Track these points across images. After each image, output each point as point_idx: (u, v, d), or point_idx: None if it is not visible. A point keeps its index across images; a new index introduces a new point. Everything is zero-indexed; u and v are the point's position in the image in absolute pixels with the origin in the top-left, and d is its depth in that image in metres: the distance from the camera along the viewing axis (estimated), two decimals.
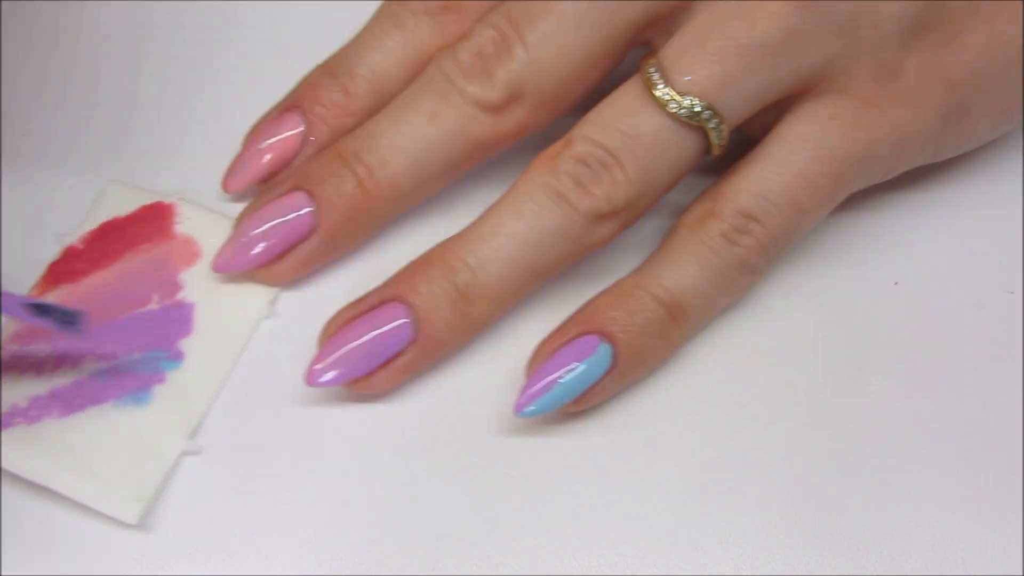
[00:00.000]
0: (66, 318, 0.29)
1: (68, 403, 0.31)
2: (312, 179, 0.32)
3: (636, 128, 0.30)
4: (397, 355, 0.31)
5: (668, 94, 0.30)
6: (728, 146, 0.31)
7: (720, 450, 0.31)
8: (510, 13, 0.31)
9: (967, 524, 0.30)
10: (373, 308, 0.31)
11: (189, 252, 0.33)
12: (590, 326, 0.30)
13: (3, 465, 0.30)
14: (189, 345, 0.32)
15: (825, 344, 0.32)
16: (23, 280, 0.33)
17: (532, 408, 0.30)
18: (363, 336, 0.31)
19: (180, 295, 0.33)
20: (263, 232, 0.32)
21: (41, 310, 0.29)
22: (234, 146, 0.35)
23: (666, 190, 0.31)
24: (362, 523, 0.30)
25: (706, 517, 0.30)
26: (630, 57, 0.32)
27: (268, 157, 0.34)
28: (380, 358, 0.31)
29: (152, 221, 0.34)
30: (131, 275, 0.33)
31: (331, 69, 0.34)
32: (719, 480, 0.30)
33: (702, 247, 0.31)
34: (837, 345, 0.32)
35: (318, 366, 0.31)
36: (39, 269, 0.34)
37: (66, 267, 0.33)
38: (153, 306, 0.33)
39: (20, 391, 0.31)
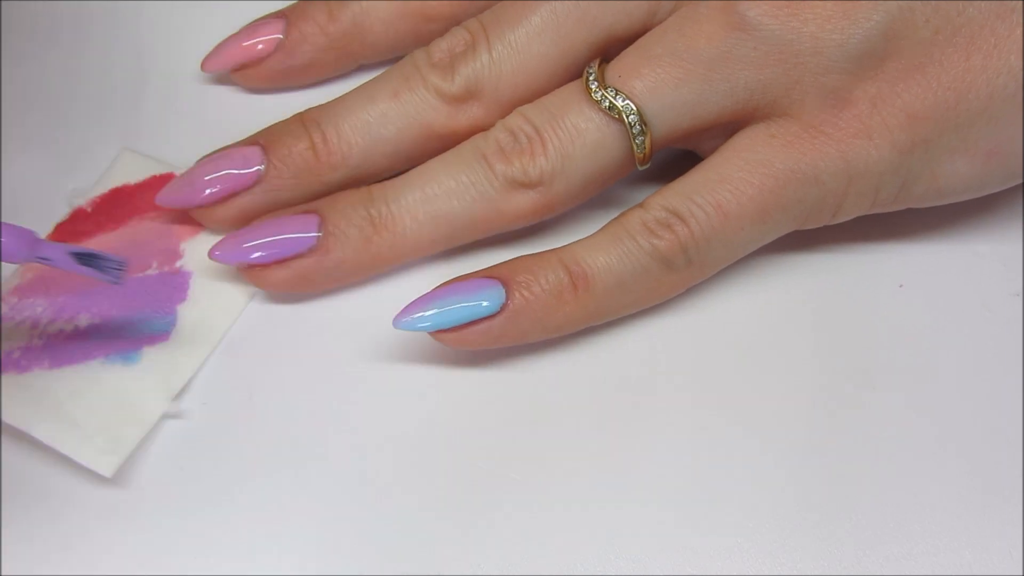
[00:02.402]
0: (111, 266, 0.30)
1: (58, 356, 0.32)
2: (270, 137, 0.34)
3: (563, 113, 0.32)
4: (296, 257, 0.32)
5: (595, 85, 0.32)
6: (650, 154, 0.32)
7: (723, 452, 0.31)
8: (484, 19, 0.34)
9: (971, 525, 0.30)
10: (293, 214, 0.33)
11: (192, 223, 0.34)
12: (494, 273, 0.32)
13: None
14: (183, 312, 0.33)
15: (830, 346, 0.33)
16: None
17: (408, 321, 0.31)
18: (275, 231, 0.33)
19: (179, 263, 0.34)
20: (212, 177, 0.33)
21: (85, 259, 0.30)
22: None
23: (587, 184, 0.32)
24: (356, 519, 0.30)
25: (708, 519, 0.30)
26: None
27: (245, 51, 0.36)
28: (281, 254, 0.32)
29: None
30: (134, 241, 0.34)
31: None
32: (722, 482, 0.31)
33: (620, 229, 0.32)
34: (842, 347, 0.33)
35: (223, 247, 0.33)
36: (47, 227, 0.34)
37: (72, 227, 0.34)
38: (152, 272, 0.33)
39: (15, 342, 0.32)
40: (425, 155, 0.34)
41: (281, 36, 0.36)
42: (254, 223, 0.33)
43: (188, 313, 0.33)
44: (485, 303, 0.31)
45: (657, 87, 0.31)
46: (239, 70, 0.37)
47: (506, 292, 0.31)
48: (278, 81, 0.37)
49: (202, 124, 0.37)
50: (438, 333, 0.31)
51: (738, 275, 0.34)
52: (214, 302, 0.33)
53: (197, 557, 0.30)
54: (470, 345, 0.31)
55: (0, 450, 0.31)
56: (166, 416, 0.31)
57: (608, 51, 0.33)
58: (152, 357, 0.32)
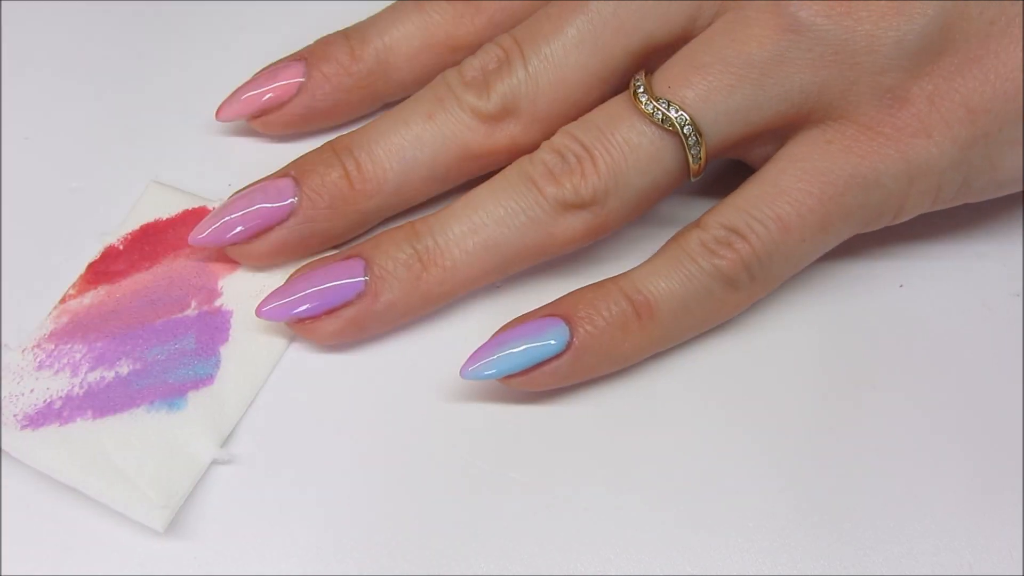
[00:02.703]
0: None
1: (102, 405, 0.31)
2: (302, 167, 0.33)
3: (612, 128, 0.31)
4: (346, 305, 0.31)
5: (646, 98, 0.31)
6: (704, 164, 0.31)
7: (725, 452, 0.31)
8: (517, 34, 0.32)
9: (971, 525, 0.30)
10: (336, 260, 0.32)
11: (230, 260, 0.33)
12: (555, 310, 0.31)
13: (36, 466, 0.30)
14: (225, 353, 0.32)
15: (831, 347, 0.32)
16: (63, 277, 0.33)
17: (474, 369, 0.30)
18: (320, 281, 0.31)
19: (218, 302, 0.33)
20: (244, 213, 0.32)
21: None
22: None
23: (640, 201, 0.31)
24: (369, 526, 0.30)
25: (710, 519, 0.30)
26: None
27: (265, 97, 0.35)
28: (330, 303, 0.31)
29: (195, 225, 0.34)
30: (170, 279, 0.33)
31: (347, 33, 0.35)
32: (723, 482, 0.30)
33: (680, 252, 0.31)
34: (843, 348, 0.32)
35: (270, 302, 0.31)
36: (79, 267, 0.34)
37: (105, 267, 0.33)
38: (191, 312, 0.33)
39: (55, 391, 0.31)
40: (463, 176, 0.33)
41: (302, 79, 0.35)
42: (296, 276, 0.32)
43: (231, 354, 0.32)
44: (551, 343, 0.30)
45: (709, 95, 0.30)
46: (258, 117, 0.35)
47: (570, 329, 0.30)
48: (299, 126, 0.35)
49: (228, 153, 0.36)
50: (506, 379, 0.30)
51: None
52: (257, 341, 0.32)
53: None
54: (538, 387, 0.31)
55: (0, 453, 0.31)
56: (216, 462, 0.31)
57: (648, 59, 0.32)
58: (198, 402, 0.31)
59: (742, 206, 0.31)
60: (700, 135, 0.30)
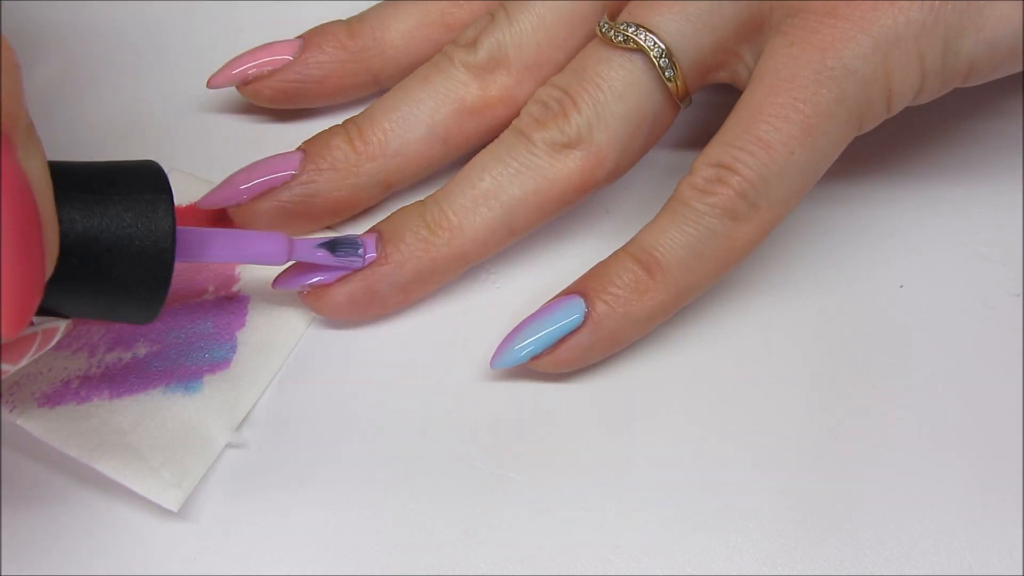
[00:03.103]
0: (351, 249, 0.32)
1: (118, 386, 0.31)
2: (309, 141, 0.34)
3: (584, 65, 0.32)
4: (357, 271, 0.32)
5: (608, 27, 0.32)
6: (682, 85, 0.31)
7: (724, 452, 0.31)
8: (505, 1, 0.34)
9: (971, 525, 0.30)
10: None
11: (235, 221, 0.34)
12: (570, 288, 0.32)
13: (52, 443, 0.30)
14: (242, 338, 0.32)
15: (830, 346, 0.33)
16: None
17: (502, 357, 0.31)
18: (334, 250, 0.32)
19: (236, 287, 0.33)
20: (249, 175, 0.33)
21: (330, 247, 0.31)
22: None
23: (631, 130, 0.32)
24: (369, 525, 0.30)
25: (709, 519, 0.30)
26: None
27: (256, 62, 0.36)
28: (343, 271, 0.32)
29: (214, 211, 0.34)
30: (189, 264, 0.33)
31: (348, 19, 0.36)
32: (723, 482, 0.31)
33: (675, 204, 0.31)
34: (843, 347, 0.33)
35: (286, 274, 0.32)
36: None
37: None
38: (208, 297, 0.33)
39: (72, 370, 0.31)
40: (463, 134, 0.34)
41: (295, 55, 0.35)
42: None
43: (247, 339, 0.32)
44: (569, 317, 0.31)
45: (670, 12, 0.31)
46: (248, 84, 0.36)
47: (586, 302, 0.31)
48: (290, 98, 0.36)
49: (235, 149, 0.37)
50: (534, 361, 0.31)
51: (739, 276, 0.34)
52: (273, 327, 0.33)
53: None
54: (567, 364, 0.31)
55: (0, 450, 0.31)
56: (230, 446, 0.31)
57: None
58: (213, 386, 0.31)
59: (723, 140, 0.31)
60: (671, 54, 0.31)
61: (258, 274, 0.33)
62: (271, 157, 0.34)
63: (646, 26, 0.31)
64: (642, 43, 0.31)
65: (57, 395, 0.31)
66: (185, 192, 0.35)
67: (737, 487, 0.31)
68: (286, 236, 0.30)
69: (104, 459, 0.30)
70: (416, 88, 0.34)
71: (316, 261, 0.31)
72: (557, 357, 0.31)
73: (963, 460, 0.31)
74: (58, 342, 0.32)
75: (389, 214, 0.33)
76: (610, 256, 0.32)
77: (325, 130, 0.34)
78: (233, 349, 0.32)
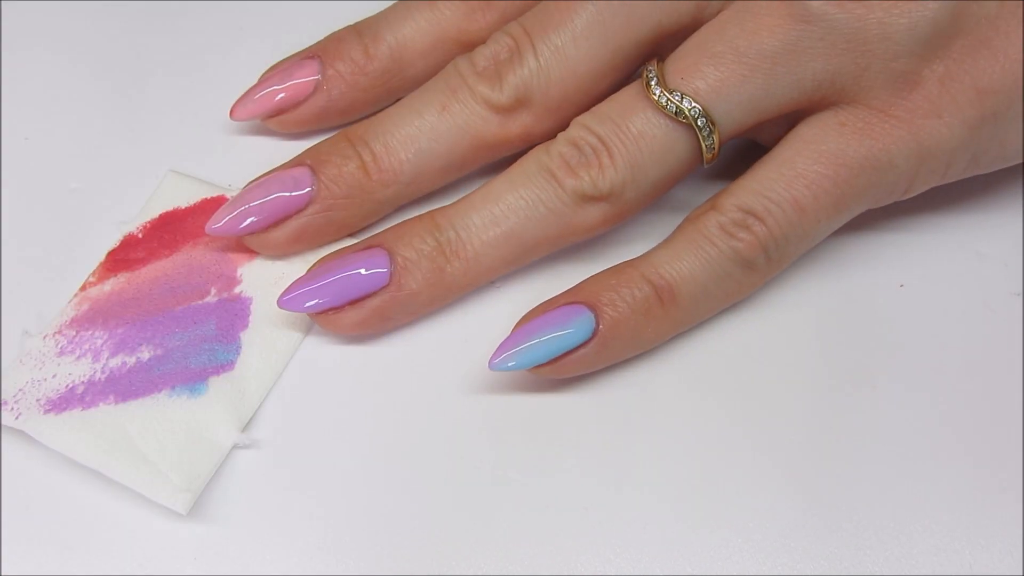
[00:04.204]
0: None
1: (124, 390, 0.31)
2: (318, 157, 0.33)
3: (627, 120, 0.31)
4: (369, 296, 0.32)
5: (660, 91, 0.31)
6: (718, 151, 0.31)
7: (725, 451, 0.31)
8: (526, 23, 0.33)
9: (971, 525, 0.30)
10: (358, 251, 0.32)
11: (249, 247, 0.34)
12: (578, 297, 0.31)
13: (58, 449, 0.30)
14: (246, 339, 0.32)
15: (831, 346, 0.33)
16: (83, 265, 0.34)
17: (504, 361, 0.31)
18: (343, 271, 0.32)
19: (238, 289, 0.33)
20: (260, 203, 0.33)
21: None
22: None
23: (655, 189, 0.32)
24: (369, 525, 0.30)
25: (709, 519, 0.30)
26: None
27: (279, 96, 0.35)
28: (353, 294, 0.32)
29: (213, 213, 0.34)
30: (190, 266, 0.33)
31: (359, 30, 0.35)
32: (723, 482, 0.31)
33: (698, 235, 0.31)
34: (843, 347, 0.33)
35: (293, 291, 0.32)
36: (99, 255, 0.34)
37: (125, 255, 0.34)
38: (211, 298, 0.33)
39: (77, 376, 0.31)
40: (477, 163, 0.34)
41: (317, 77, 0.35)
42: (318, 266, 0.32)
43: (252, 340, 0.32)
44: (577, 331, 0.30)
45: (722, 86, 0.31)
46: (274, 116, 0.35)
47: (595, 316, 0.31)
48: (315, 125, 0.35)
49: (239, 145, 0.36)
50: (536, 368, 0.31)
51: None
52: (277, 328, 0.32)
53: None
54: (566, 374, 0.31)
55: (0, 450, 0.31)
56: (237, 447, 0.31)
57: (658, 47, 0.33)
58: (218, 387, 0.31)
59: (758, 189, 0.31)
60: (713, 125, 0.31)
61: (260, 275, 0.33)
62: (279, 175, 0.33)
63: (696, 97, 0.31)
64: (691, 119, 0.31)
65: (62, 401, 0.31)
66: (183, 195, 0.35)
67: (737, 487, 0.31)
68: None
69: (112, 465, 0.30)
70: (434, 116, 0.33)
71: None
72: (559, 368, 0.31)
73: (963, 460, 0.31)
74: (61, 348, 0.32)
75: (394, 224, 0.33)
76: (621, 269, 0.32)
77: (334, 146, 0.33)
78: (237, 351, 0.32)
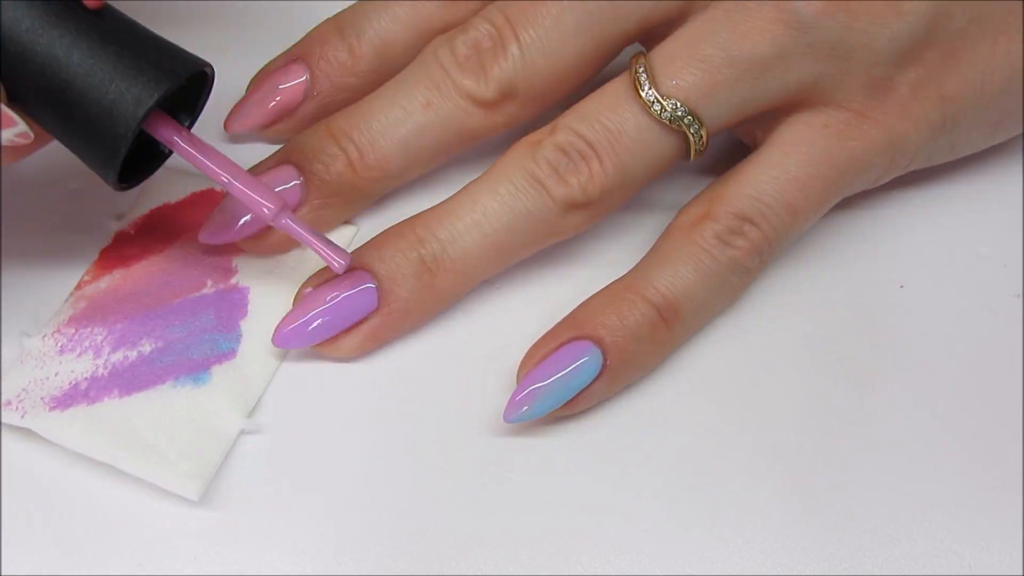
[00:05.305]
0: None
1: (127, 384, 0.31)
2: (303, 155, 0.33)
3: (618, 125, 0.31)
4: (362, 321, 0.32)
5: (653, 95, 0.31)
6: (705, 151, 0.32)
7: (723, 452, 0.31)
8: (507, 11, 0.33)
9: (971, 525, 0.30)
10: (342, 279, 0.32)
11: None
12: (580, 331, 0.31)
13: (66, 445, 0.30)
14: (246, 327, 0.33)
15: (831, 346, 0.33)
16: (76, 265, 0.34)
17: (520, 415, 0.30)
18: (330, 300, 0.32)
19: (234, 279, 0.33)
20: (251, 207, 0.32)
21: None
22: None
23: (640, 187, 0.32)
24: (368, 525, 0.30)
25: (708, 519, 0.30)
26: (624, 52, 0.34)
27: (272, 104, 0.35)
28: (345, 323, 0.32)
29: (204, 207, 0.34)
30: (184, 260, 0.34)
31: (340, 26, 0.35)
32: (723, 482, 0.31)
33: (695, 248, 0.31)
34: (843, 347, 0.33)
35: (285, 328, 0.32)
36: (92, 254, 0.34)
37: (118, 252, 0.34)
38: (208, 290, 0.33)
39: (79, 372, 0.32)
40: (461, 150, 0.34)
41: (303, 80, 0.35)
42: (303, 299, 0.32)
43: (252, 327, 0.33)
44: (587, 370, 0.30)
45: (713, 90, 0.31)
46: (267, 127, 0.35)
47: (602, 351, 0.30)
48: (307, 128, 0.35)
49: (235, 142, 0.36)
50: (554, 412, 0.31)
51: None
52: (276, 314, 0.33)
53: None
54: (580, 409, 0.31)
55: (0, 449, 0.31)
56: (244, 432, 0.31)
57: (644, 37, 0.33)
58: (222, 375, 0.32)
59: (751, 193, 0.31)
60: (702, 126, 0.31)
61: (256, 264, 0.34)
62: (266, 177, 0.33)
63: (687, 102, 0.31)
64: (686, 127, 0.31)
65: (67, 398, 0.31)
66: (173, 189, 0.35)
67: (737, 487, 0.31)
68: (283, 202, 0.30)
69: (121, 457, 0.30)
70: (419, 113, 0.33)
71: (299, 238, 0.30)
72: (572, 407, 0.31)
73: (963, 460, 0.31)
74: (61, 346, 0.32)
75: (374, 239, 0.33)
76: (622, 294, 0.31)
77: (318, 142, 0.33)
78: (238, 339, 0.32)
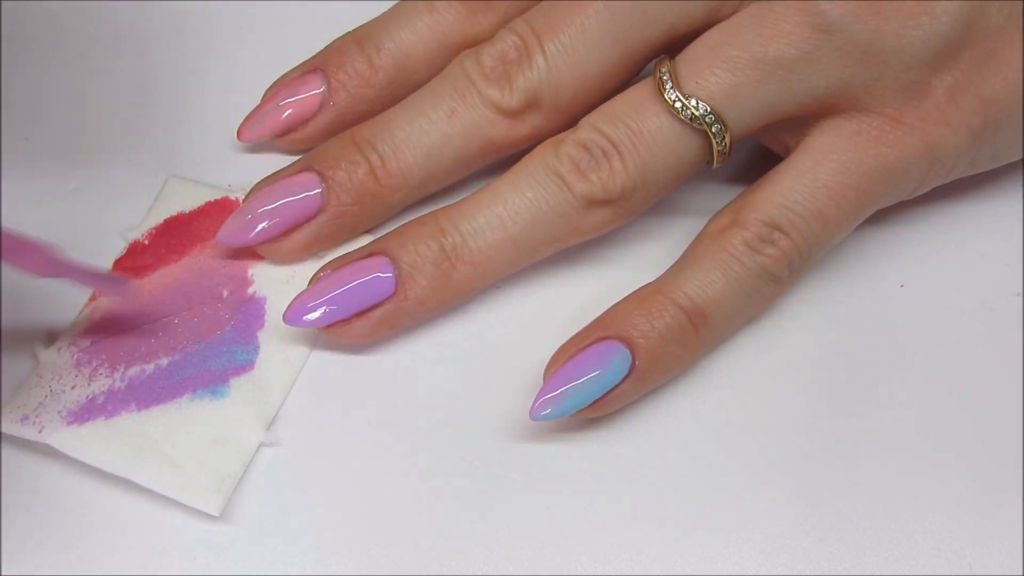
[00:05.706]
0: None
1: (145, 397, 0.31)
2: (325, 161, 0.33)
3: (641, 124, 0.31)
4: (376, 306, 0.31)
5: (675, 95, 0.31)
6: (729, 154, 0.31)
7: (726, 454, 0.31)
8: (533, 22, 0.32)
9: (971, 525, 0.30)
10: (361, 258, 0.32)
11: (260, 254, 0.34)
12: (609, 331, 0.31)
13: (85, 460, 0.30)
14: (263, 338, 0.32)
15: (832, 347, 0.33)
16: None
17: (547, 412, 0.30)
18: (347, 282, 0.31)
19: (251, 289, 0.33)
20: (270, 209, 0.33)
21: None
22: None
23: (664, 190, 0.32)
24: (368, 524, 0.30)
25: (711, 521, 0.30)
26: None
27: (287, 113, 0.35)
28: (359, 305, 0.31)
29: (219, 216, 0.34)
30: (200, 270, 0.33)
31: (359, 38, 0.35)
32: (723, 482, 0.31)
33: (724, 255, 0.31)
34: (844, 348, 0.33)
35: (297, 306, 0.31)
36: (99, 258, 0.34)
37: (132, 262, 0.34)
38: (225, 300, 0.33)
39: (96, 386, 0.31)
40: (486, 162, 0.34)
41: (321, 91, 0.34)
42: (320, 280, 0.32)
43: (269, 339, 0.32)
44: (615, 370, 0.30)
45: (736, 91, 0.31)
46: (282, 136, 0.35)
47: (631, 352, 0.30)
48: (323, 139, 0.34)
49: (239, 146, 0.36)
50: (575, 413, 0.30)
51: None
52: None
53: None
54: (605, 412, 0.31)
55: (0, 449, 0.31)
56: (263, 445, 0.31)
57: (670, 46, 0.32)
58: (240, 388, 0.31)
59: (781, 202, 0.31)
60: (725, 128, 0.31)
61: (273, 274, 0.33)
62: (286, 183, 0.33)
63: (710, 102, 0.30)
64: (708, 127, 0.31)
65: (84, 412, 0.31)
66: (186, 199, 0.35)
67: (737, 487, 0.30)
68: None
69: (140, 471, 0.30)
70: (442, 122, 0.33)
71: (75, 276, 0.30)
72: (598, 408, 0.30)
73: (963, 460, 0.31)
74: (77, 359, 0.32)
75: (396, 228, 0.33)
76: (652, 297, 0.31)
77: (340, 150, 0.33)
78: (256, 350, 0.32)
